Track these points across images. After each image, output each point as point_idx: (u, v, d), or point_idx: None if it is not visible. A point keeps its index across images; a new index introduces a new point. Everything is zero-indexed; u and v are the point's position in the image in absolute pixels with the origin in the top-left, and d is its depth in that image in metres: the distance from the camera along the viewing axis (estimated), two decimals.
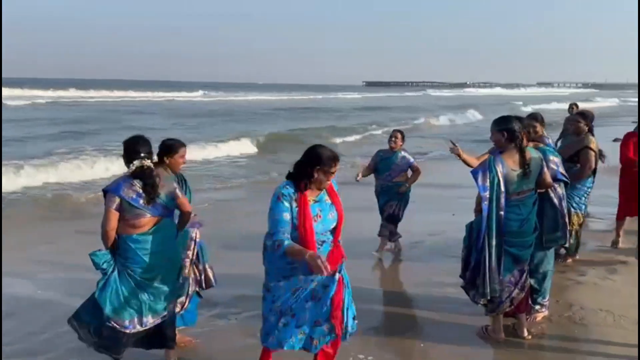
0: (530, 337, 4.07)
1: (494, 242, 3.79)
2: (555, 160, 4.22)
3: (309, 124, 25.75)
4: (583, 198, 5.43)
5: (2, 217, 7.56)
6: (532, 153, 3.86)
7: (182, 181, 3.99)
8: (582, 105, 9.41)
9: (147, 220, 3.43)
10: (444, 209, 8.24)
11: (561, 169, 4.20)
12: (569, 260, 5.70)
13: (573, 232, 5.49)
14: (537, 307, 4.35)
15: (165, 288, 3.53)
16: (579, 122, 5.55)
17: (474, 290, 3.96)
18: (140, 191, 3.37)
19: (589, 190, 5.56)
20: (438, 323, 4.45)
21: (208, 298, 4.89)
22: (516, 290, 3.95)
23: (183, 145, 3.96)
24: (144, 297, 3.47)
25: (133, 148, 3.44)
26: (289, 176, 3.15)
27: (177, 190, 3.60)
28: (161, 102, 47.94)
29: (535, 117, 4.93)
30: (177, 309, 3.76)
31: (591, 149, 5.32)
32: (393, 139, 6.09)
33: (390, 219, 6.19)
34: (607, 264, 5.70)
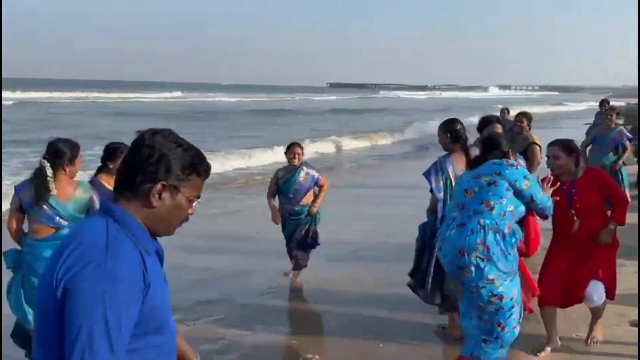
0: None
1: None
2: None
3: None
4: None
5: None
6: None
7: None
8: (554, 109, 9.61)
9: (43, 227, 3.33)
10: (404, 209, 8.36)
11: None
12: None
13: None
14: None
15: None
16: (522, 122, 5.89)
17: (423, 290, 4.04)
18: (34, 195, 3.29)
19: None
20: (398, 323, 4.53)
21: (173, 303, 4.83)
22: None
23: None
24: None
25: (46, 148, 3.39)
26: None
27: (95, 202, 3.36)
28: (121, 102, 46.90)
29: (524, 114, 5.69)
30: None
31: (537, 144, 5.60)
32: (293, 155, 5.23)
33: (302, 246, 5.43)
34: None
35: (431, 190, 3.95)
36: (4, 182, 9.30)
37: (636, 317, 4.38)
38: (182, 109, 39.88)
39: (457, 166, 3.86)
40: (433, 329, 4.31)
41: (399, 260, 6.05)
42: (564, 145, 3.75)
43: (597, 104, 10.44)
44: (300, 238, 5.34)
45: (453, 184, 3.81)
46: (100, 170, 3.79)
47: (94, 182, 3.69)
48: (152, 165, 1.41)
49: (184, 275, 5.78)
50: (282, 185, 5.35)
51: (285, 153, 5.37)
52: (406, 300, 4.80)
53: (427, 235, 4.00)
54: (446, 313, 4.16)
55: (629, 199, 7.33)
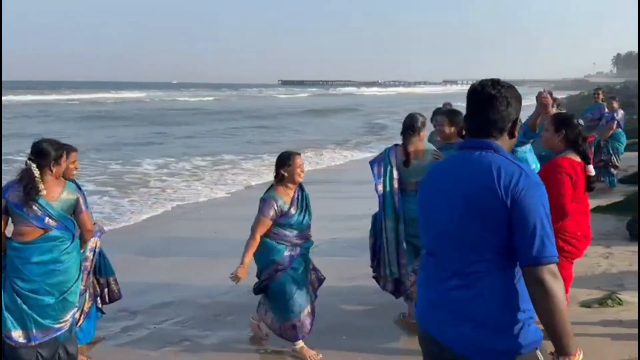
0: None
1: (389, 225, 4.08)
2: None
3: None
4: None
5: None
6: (427, 147, 4.15)
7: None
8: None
9: (31, 229, 3.26)
10: (361, 203, 8.48)
11: None
12: None
13: None
14: None
15: (51, 302, 3.29)
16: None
17: (383, 278, 4.18)
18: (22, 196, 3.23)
19: None
20: (359, 314, 4.61)
21: (126, 307, 4.76)
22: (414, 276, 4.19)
23: (74, 149, 3.74)
24: (27, 310, 3.25)
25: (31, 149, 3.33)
26: None
27: (81, 204, 3.40)
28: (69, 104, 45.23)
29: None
30: (66, 326, 3.41)
31: None
32: (300, 169, 3.84)
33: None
34: None
35: None
36: None
37: (585, 298, 4.62)
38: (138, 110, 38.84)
39: (400, 156, 4.11)
40: (394, 318, 4.41)
41: (360, 252, 6.18)
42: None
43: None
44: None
45: (394, 171, 4.07)
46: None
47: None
48: (506, 111, 1.90)
49: (142, 277, 5.70)
50: (290, 217, 3.85)
51: (283, 167, 3.82)
52: (367, 291, 4.90)
53: (378, 225, 4.17)
54: (405, 301, 4.27)
55: None
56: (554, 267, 1.74)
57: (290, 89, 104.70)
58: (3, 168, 3.89)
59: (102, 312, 4.12)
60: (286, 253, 3.83)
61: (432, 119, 5.00)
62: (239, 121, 29.72)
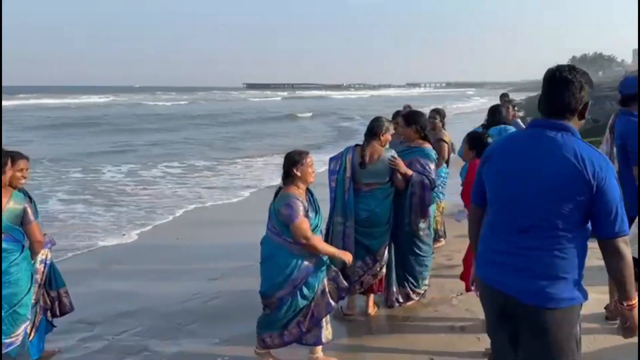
0: (372, 313, 4.46)
1: (337, 220, 4.20)
2: (422, 162, 4.46)
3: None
4: (440, 187, 5.91)
5: None
6: (385, 152, 4.20)
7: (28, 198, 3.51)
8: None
9: None
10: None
11: (428, 169, 4.45)
12: (437, 244, 6.14)
13: (438, 218, 6.04)
14: (416, 296, 4.64)
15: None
16: (435, 118, 6.10)
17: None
18: None
19: (445, 179, 6.10)
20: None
21: (84, 318, 4.63)
22: (367, 277, 4.29)
23: (23, 157, 3.52)
24: None
25: None
26: None
27: (29, 214, 3.27)
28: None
29: (437, 111, 5.94)
30: (18, 340, 3.29)
31: (444, 141, 5.88)
32: (313, 167, 3.89)
33: None
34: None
35: None
36: None
37: None
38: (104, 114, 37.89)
39: (357, 156, 4.21)
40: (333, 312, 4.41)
41: None
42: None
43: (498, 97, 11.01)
44: None
45: (347, 169, 4.17)
46: None
47: None
48: (579, 94, 2.15)
49: (100, 287, 5.56)
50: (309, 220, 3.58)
51: (295, 166, 3.53)
52: None
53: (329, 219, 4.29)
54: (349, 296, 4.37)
55: None
56: (626, 237, 2.15)
57: (263, 92, 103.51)
58: None
59: (53, 326, 3.99)
60: (304, 265, 3.47)
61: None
62: (227, 127, 28.86)
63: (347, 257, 3.64)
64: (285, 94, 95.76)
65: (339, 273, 3.72)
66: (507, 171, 2.21)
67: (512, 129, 6.12)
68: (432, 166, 4.48)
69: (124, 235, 7.64)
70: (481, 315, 4.32)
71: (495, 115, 6.07)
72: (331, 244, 4.04)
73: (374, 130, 4.21)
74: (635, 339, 2.38)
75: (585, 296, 2.21)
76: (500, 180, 2.25)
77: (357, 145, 4.31)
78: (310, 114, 38.30)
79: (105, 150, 18.19)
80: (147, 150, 18.72)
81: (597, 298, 4.52)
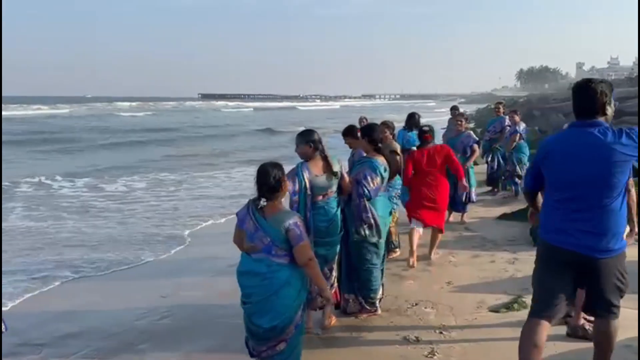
0: (329, 325, 4.43)
1: None
2: (366, 172, 4.56)
3: None
4: (394, 198, 5.99)
5: None
6: (333, 161, 4.31)
7: None
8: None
9: None
10: None
11: (367, 180, 4.52)
12: (392, 255, 6.20)
13: (393, 229, 6.11)
14: (369, 307, 4.65)
15: None
16: (385, 131, 6.14)
17: None
18: None
19: (398, 189, 6.19)
20: None
21: (28, 340, 4.42)
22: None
23: None
24: None
25: None
26: None
27: None
28: None
29: (386, 123, 6.09)
30: None
31: (397, 153, 5.91)
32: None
33: None
34: (424, 257, 6.32)
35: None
36: None
37: (494, 303, 4.84)
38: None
39: (313, 171, 4.23)
40: None
41: None
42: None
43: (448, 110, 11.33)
44: None
45: (307, 187, 4.18)
46: None
47: None
48: (605, 99, 2.96)
49: (44, 306, 5.33)
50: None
51: (282, 179, 3.33)
52: None
53: None
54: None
55: (474, 198, 8.10)
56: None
57: (240, 103, 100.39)
58: None
59: None
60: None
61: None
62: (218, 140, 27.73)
63: (329, 295, 3.50)
64: (256, 104, 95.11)
65: None
66: (567, 161, 2.94)
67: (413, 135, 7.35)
68: (374, 178, 4.54)
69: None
70: (434, 326, 4.41)
71: (411, 119, 7.70)
72: None
73: (320, 142, 4.31)
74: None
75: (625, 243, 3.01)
76: (562, 169, 2.96)
77: (306, 160, 4.28)
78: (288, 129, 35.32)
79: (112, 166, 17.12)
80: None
81: None
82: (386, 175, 4.70)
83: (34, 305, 5.38)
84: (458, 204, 7.83)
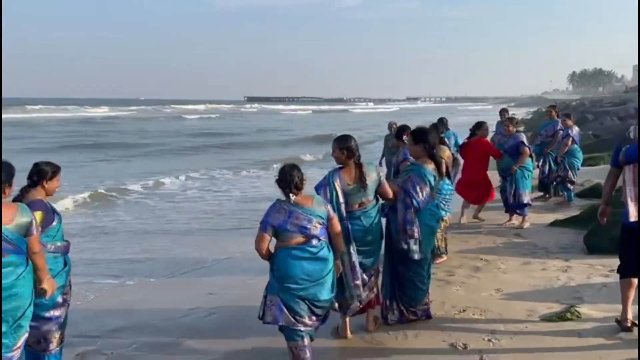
0: (372, 329, 4.39)
1: (350, 250, 4.08)
2: (414, 181, 4.42)
3: None
4: (443, 204, 5.88)
5: None
6: (370, 170, 4.18)
7: (53, 212, 3.64)
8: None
9: None
10: None
11: (415, 191, 4.39)
12: (438, 260, 6.10)
13: (440, 235, 5.99)
14: (411, 316, 4.58)
15: (5, 330, 3.10)
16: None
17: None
18: None
19: (448, 196, 6.07)
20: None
21: (79, 334, 4.58)
22: (365, 292, 4.23)
23: (59, 168, 3.75)
24: None
25: None
26: None
27: (33, 226, 3.22)
28: None
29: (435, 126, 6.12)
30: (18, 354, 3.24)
31: (442, 158, 5.75)
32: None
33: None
34: (471, 263, 6.21)
35: None
36: None
37: (545, 312, 4.69)
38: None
39: (345, 179, 4.11)
40: (330, 330, 4.40)
41: None
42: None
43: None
44: None
45: (339, 195, 4.07)
46: (27, 190, 3.63)
47: (35, 202, 3.51)
48: None
49: (93, 300, 5.53)
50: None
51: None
52: None
53: None
54: (342, 316, 4.34)
55: (526, 200, 7.83)
56: None
57: (294, 107, 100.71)
58: None
59: None
60: None
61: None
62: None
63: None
64: (315, 107, 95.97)
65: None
66: None
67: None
68: (423, 188, 4.39)
69: None
70: (483, 333, 4.30)
71: (441, 125, 8.06)
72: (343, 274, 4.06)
73: (357, 150, 4.18)
74: None
75: None
76: None
77: (339, 168, 4.19)
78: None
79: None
80: None
81: (602, 316, 4.49)
82: (435, 183, 4.53)
83: (89, 298, 5.58)
84: (513, 206, 7.80)
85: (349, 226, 4.08)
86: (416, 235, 4.34)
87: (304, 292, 3.61)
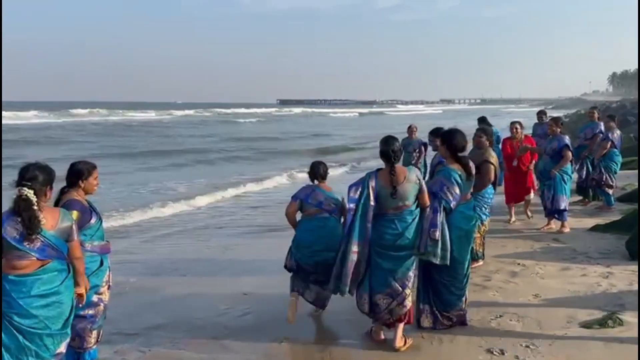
0: (403, 347, 4.18)
1: (354, 249, 4.08)
2: (442, 182, 4.39)
3: None
4: (484, 208, 5.79)
5: None
6: (410, 174, 4.11)
7: (92, 211, 3.73)
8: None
9: (29, 262, 3.07)
10: None
11: (444, 192, 4.34)
12: (474, 265, 6.00)
13: (478, 240, 5.90)
14: (445, 321, 4.51)
15: (51, 335, 3.14)
16: (480, 137, 5.96)
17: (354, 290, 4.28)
18: (22, 229, 3.02)
19: (489, 200, 5.97)
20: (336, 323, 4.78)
21: (121, 330, 4.69)
22: (395, 303, 4.12)
23: (95, 166, 3.84)
24: (29, 345, 3.05)
25: (20, 175, 3.14)
26: None
27: (74, 231, 3.23)
28: None
29: (484, 130, 6.05)
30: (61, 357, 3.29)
31: (491, 162, 5.63)
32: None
33: None
34: (508, 268, 6.09)
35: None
36: None
37: (585, 319, 4.57)
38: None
39: (380, 182, 4.08)
40: (366, 329, 4.46)
41: None
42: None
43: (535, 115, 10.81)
44: None
45: (371, 197, 4.04)
46: (67, 191, 3.71)
47: (71, 201, 3.59)
48: None
49: (133, 298, 5.64)
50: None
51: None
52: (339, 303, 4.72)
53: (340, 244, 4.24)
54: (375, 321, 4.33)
55: (563, 206, 7.60)
56: None
57: (336, 109, 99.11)
58: None
59: None
60: None
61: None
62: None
63: None
64: (362, 110, 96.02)
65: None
66: None
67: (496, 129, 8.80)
68: (451, 187, 4.34)
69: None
70: (521, 339, 4.21)
71: (484, 121, 8.71)
72: (342, 272, 4.10)
73: (396, 153, 4.13)
74: None
75: None
76: None
77: (378, 169, 4.17)
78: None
79: None
80: None
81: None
82: (463, 183, 4.42)
83: (126, 295, 5.70)
84: (551, 211, 7.64)
85: (371, 228, 4.05)
86: (437, 237, 4.18)
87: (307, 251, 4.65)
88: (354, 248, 4.08)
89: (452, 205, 4.34)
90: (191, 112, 72.44)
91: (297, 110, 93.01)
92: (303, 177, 13.76)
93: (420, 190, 4.15)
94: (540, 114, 10.26)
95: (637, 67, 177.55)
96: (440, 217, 4.24)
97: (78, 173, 3.70)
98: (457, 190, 4.37)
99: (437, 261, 4.24)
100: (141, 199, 11.87)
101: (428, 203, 4.22)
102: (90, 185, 3.74)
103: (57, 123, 44.28)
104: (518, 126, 8.38)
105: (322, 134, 37.44)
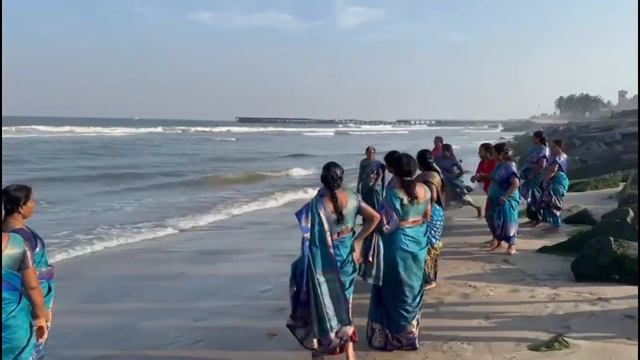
0: None
1: (322, 279, 3.93)
2: (382, 202, 4.60)
3: None
4: (432, 231, 5.86)
5: None
6: (351, 199, 4.12)
7: (35, 237, 3.51)
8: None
9: None
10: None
11: (383, 213, 4.41)
12: (427, 287, 6.05)
13: (429, 262, 5.98)
14: (395, 342, 4.53)
15: None
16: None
17: (303, 330, 4.07)
18: None
19: (438, 222, 6.07)
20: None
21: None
22: (345, 327, 4.07)
23: (30, 189, 3.60)
24: None
25: None
26: None
27: (27, 258, 3.01)
28: None
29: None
30: None
31: (432, 183, 5.73)
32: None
33: None
34: (460, 290, 6.18)
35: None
36: None
37: (533, 341, 4.66)
38: None
39: (327, 208, 4.02)
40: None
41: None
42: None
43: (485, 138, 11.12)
44: None
45: (324, 222, 3.96)
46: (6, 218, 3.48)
47: (17, 231, 3.31)
48: None
49: (76, 327, 5.42)
50: None
51: None
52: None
53: (298, 273, 4.05)
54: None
55: (511, 233, 7.83)
56: None
57: (314, 129, 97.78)
58: None
59: None
60: None
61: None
62: None
63: None
64: (336, 129, 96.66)
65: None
66: None
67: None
68: (390, 212, 4.41)
69: None
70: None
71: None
72: (323, 304, 3.93)
73: (335, 180, 4.12)
74: None
75: None
76: None
77: (321, 195, 4.11)
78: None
79: None
80: None
81: (590, 346, 4.47)
82: (406, 206, 4.45)
83: (62, 321, 5.47)
84: (500, 237, 7.86)
85: (333, 253, 3.98)
86: (370, 258, 4.30)
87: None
88: (327, 276, 3.96)
89: (384, 228, 4.37)
90: (157, 129, 71.03)
91: (272, 129, 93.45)
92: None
93: (359, 208, 4.16)
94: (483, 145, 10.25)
95: (581, 93, 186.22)
96: (375, 240, 4.33)
97: (15, 200, 3.46)
98: (394, 215, 4.41)
99: (371, 281, 4.40)
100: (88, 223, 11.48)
101: (375, 213, 4.27)
102: (28, 209, 3.53)
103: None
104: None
105: (303, 154, 36.79)
